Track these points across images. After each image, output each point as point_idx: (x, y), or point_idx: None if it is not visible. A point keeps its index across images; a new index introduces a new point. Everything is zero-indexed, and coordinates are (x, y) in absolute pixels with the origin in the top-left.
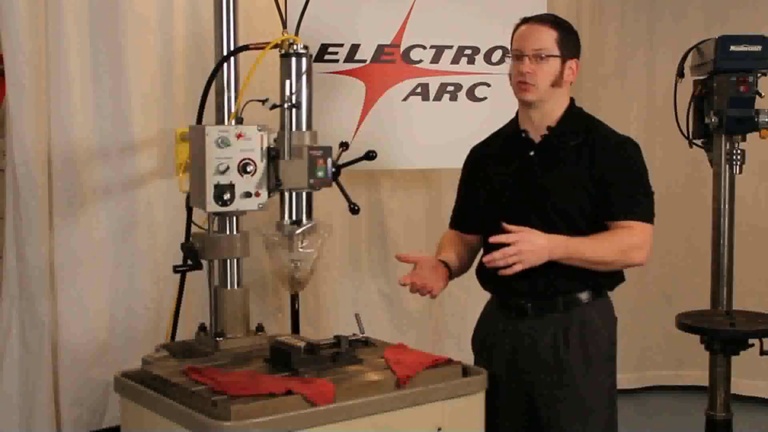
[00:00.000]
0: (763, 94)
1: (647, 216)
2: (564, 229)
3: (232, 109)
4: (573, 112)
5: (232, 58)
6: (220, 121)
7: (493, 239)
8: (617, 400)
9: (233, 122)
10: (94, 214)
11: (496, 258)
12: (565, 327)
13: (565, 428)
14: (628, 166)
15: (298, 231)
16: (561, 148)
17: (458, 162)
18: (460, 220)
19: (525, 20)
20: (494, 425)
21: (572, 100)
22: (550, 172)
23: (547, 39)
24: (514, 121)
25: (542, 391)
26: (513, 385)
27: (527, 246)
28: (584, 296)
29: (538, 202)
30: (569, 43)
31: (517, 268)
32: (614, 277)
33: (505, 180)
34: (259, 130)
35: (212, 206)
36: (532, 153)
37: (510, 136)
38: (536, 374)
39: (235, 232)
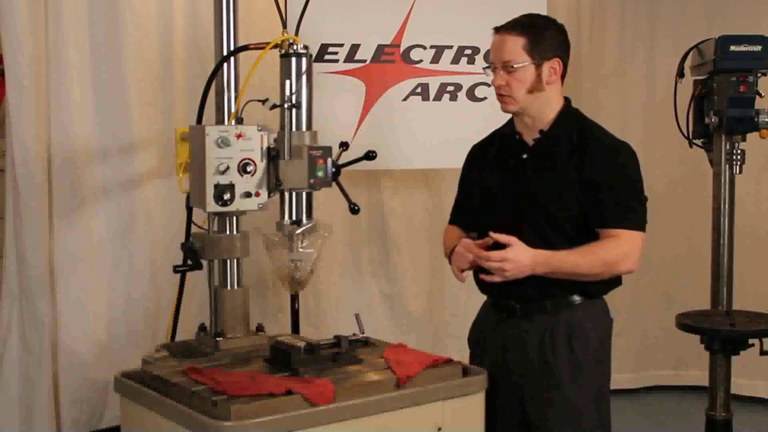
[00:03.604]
0: (763, 94)
1: (637, 224)
2: (551, 234)
3: (232, 109)
4: (568, 114)
5: (232, 58)
6: (220, 121)
7: (494, 236)
8: (609, 404)
9: (233, 122)
10: (94, 214)
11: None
12: (552, 328)
13: (554, 430)
14: (620, 173)
15: (298, 231)
16: (553, 151)
17: (458, 162)
18: (459, 217)
19: (496, 29)
20: (492, 425)
21: (568, 101)
22: (540, 176)
23: (514, 49)
24: (511, 122)
25: (531, 392)
26: (505, 386)
27: (510, 265)
28: (574, 298)
29: (527, 205)
30: (542, 45)
31: (496, 278)
32: (608, 284)
33: (498, 181)
34: (259, 130)
35: (212, 206)
36: (525, 156)
37: (506, 137)
38: (525, 375)
39: (235, 232)
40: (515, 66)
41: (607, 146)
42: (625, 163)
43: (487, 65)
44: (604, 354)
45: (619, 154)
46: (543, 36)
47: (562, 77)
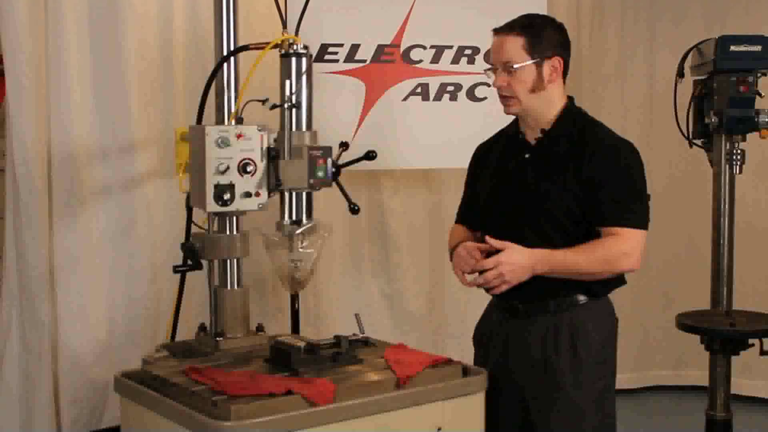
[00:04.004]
0: (763, 94)
1: (638, 222)
2: (552, 233)
3: (232, 109)
4: (570, 112)
5: (232, 58)
6: (220, 121)
7: (488, 241)
8: (614, 404)
9: (233, 122)
10: (94, 214)
11: (481, 282)
12: (554, 328)
13: (555, 430)
14: (620, 171)
15: (298, 231)
16: (554, 151)
17: (458, 162)
18: (466, 216)
19: (495, 31)
20: (493, 424)
21: (571, 99)
22: (541, 175)
23: (513, 49)
24: (516, 122)
25: (532, 391)
26: (506, 385)
27: (507, 268)
28: (577, 298)
29: (528, 204)
30: (542, 43)
31: (503, 287)
32: (611, 283)
33: (501, 181)
34: (259, 130)
35: (212, 206)
36: (527, 155)
37: (510, 136)
38: (527, 375)
39: (235, 232)
40: (516, 66)
41: (607, 145)
42: (625, 161)
43: (489, 67)
44: (607, 354)
45: (620, 153)
46: (542, 35)
47: (564, 76)
